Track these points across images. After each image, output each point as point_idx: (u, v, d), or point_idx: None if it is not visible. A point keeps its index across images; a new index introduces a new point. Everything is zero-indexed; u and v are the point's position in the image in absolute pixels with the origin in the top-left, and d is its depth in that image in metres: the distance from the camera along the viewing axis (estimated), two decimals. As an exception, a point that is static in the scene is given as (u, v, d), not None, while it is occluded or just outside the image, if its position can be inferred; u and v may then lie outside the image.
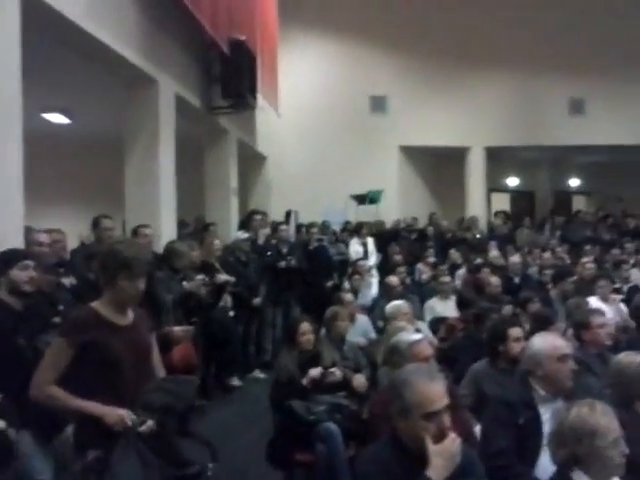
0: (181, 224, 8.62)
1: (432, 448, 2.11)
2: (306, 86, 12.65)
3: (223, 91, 8.18)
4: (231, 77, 8.08)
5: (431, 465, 2.09)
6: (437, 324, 6.22)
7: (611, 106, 12.31)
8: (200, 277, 5.69)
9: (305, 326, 4.47)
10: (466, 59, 12.55)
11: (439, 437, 2.14)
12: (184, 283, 5.54)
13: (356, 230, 10.15)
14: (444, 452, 2.10)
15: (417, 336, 3.44)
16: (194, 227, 9.45)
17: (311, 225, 9.72)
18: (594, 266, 8.05)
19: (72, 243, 6.31)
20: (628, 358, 3.48)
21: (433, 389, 2.18)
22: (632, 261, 9.21)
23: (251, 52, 8.64)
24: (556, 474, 2.50)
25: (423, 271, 9.22)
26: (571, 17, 12.36)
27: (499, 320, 4.60)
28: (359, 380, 4.50)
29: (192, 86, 7.89)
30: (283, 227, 8.54)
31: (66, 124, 10.14)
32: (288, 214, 10.97)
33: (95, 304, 2.68)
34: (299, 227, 10.42)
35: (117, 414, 2.47)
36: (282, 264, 7.86)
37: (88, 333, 2.55)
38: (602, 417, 2.41)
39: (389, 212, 12.04)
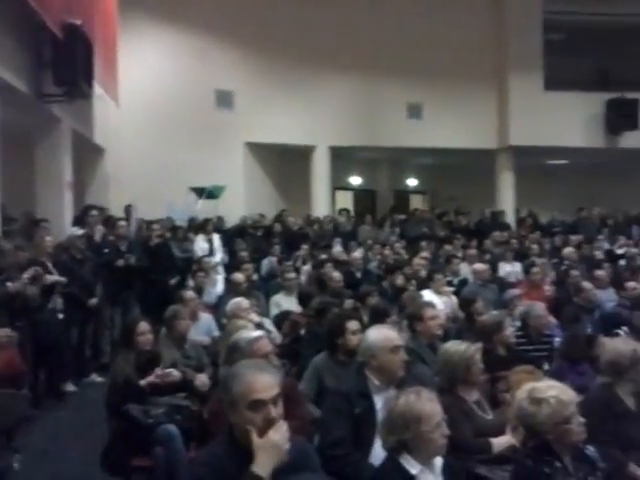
0: (7, 220, 7.95)
1: (257, 441, 2.06)
2: (149, 77, 12.20)
3: (55, 78, 7.62)
4: (64, 63, 7.55)
5: (256, 459, 2.05)
6: (282, 319, 6.27)
7: (446, 111, 13.17)
8: (26, 276, 5.27)
9: (143, 326, 4.33)
10: (312, 59, 12.81)
11: (266, 430, 2.10)
12: (8, 284, 5.12)
13: (201, 226, 9.96)
14: (268, 444, 2.06)
15: (256, 333, 3.43)
16: (22, 223, 8.74)
17: (152, 221, 9.39)
18: (425, 262, 8.59)
19: None
20: (454, 347, 3.73)
21: (258, 379, 2.14)
22: (461, 255, 9.94)
23: (87, 38, 8.14)
24: (386, 460, 2.61)
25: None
26: (410, 24, 13.05)
27: (337, 314, 4.71)
28: (201, 379, 4.42)
29: (19, 71, 7.27)
30: (122, 223, 8.17)
31: None
32: (127, 210, 10.52)
33: None
34: (140, 223, 10.04)
35: None
36: (120, 262, 7.54)
37: None
38: (427, 403, 2.55)
39: (235, 208, 11.97)
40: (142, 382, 4.08)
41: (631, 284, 7.43)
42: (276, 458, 2.07)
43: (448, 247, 10.30)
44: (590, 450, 2.72)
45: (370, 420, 3.15)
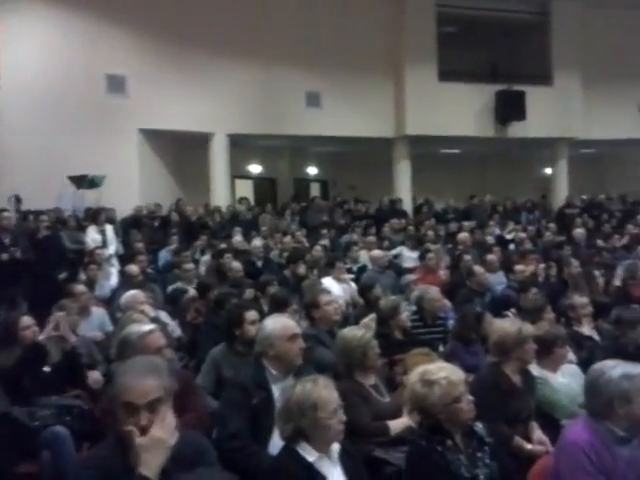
0: None
1: (139, 441, 1.98)
2: (32, 59, 11.47)
3: None
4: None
5: (141, 460, 1.96)
6: (175, 298, 6.13)
7: (345, 100, 13.27)
8: None
9: (26, 320, 4.13)
10: (210, 45, 12.52)
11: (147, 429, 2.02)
12: None
13: (93, 217, 9.50)
14: (151, 443, 1.99)
15: (148, 327, 3.30)
16: None
17: (41, 212, 8.89)
18: (321, 249, 8.67)
19: None
20: (351, 332, 3.77)
21: (134, 382, 2.06)
22: (361, 244, 10.11)
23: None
24: (283, 449, 2.59)
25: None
26: (309, 13, 13.03)
27: (235, 304, 4.66)
28: (93, 377, 4.25)
29: None
30: (5, 214, 7.68)
31: None
32: (16, 200, 9.90)
33: None
34: (25, 214, 9.48)
35: None
36: (4, 256, 7.12)
37: None
38: (323, 390, 2.55)
39: (129, 198, 11.52)
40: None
41: (519, 267, 7.81)
42: (162, 456, 1.99)
43: (348, 235, 10.44)
44: (478, 427, 2.82)
45: (268, 410, 3.12)
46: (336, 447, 2.57)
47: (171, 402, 2.14)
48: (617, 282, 6.30)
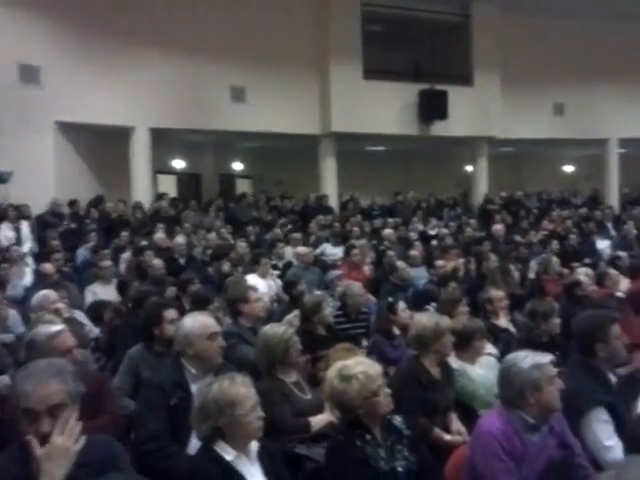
0: None
1: (38, 451, 1.89)
2: None
3: None
4: None
5: (42, 470, 1.87)
6: (96, 310, 5.90)
7: (270, 96, 13.14)
8: None
9: None
10: (131, 37, 12.10)
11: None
12: None
13: (2, 214, 9.03)
14: (52, 451, 1.90)
15: (56, 327, 3.15)
16: None
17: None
18: (246, 246, 8.61)
19: None
20: (272, 329, 3.74)
21: (32, 387, 1.97)
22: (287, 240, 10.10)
23: None
24: (201, 449, 2.54)
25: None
26: (233, 7, 12.78)
27: (154, 303, 4.53)
28: (2, 382, 4.01)
29: None
30: None
31: None
32: None
33: None
34: None
35: None
36: None
37: None
38: (241, 387, 2.52)
39: (45, 193, 11.02)
40: None
41: (440, 262, 8.00)
42: (64, 465, 1.90)
43: (277, 230, 10.40)
44: (397, 420, 2.85)
45: (187, 410, 3.03)
46: (254, 445, 2.54)
47: (77, 406, 2.05)
48: (531, 275, 6.54)
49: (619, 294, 5.09)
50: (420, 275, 8.14)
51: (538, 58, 14.85)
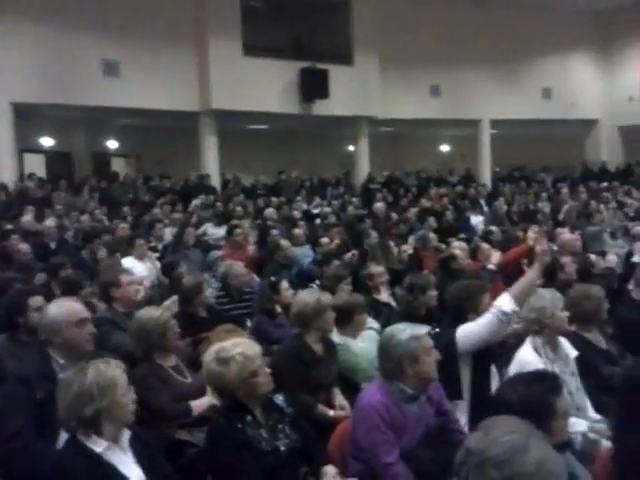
0: None
1: None
2: None
3: None
4: None
5: None
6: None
7: (146, 71, 12.55)
8: None
9: None
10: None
11: None
12: None
13: None
14: None
15: None
16: None
17: None
18: (125, 227, 8.24)
19: None
20: (148, 313, 3.57)
21: None
22: (167, 221, 9.77)
23: None
24: (67, 442, 2.40)
25: None
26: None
27: (18, 290, 4.20)
28: None
29: None
30: None
31: None
32: None
33: None
34: None
35: None
36: None
37: None
38: (117, 369, 2.41)
39: None
40: None
41: (324, 240, 8.05)
42: None
43: (156, 210, 10.01)
44: (279, 399, 2.81)
45: (55, 404, 2.83)
46: (127, 433, 2.40)
47: None
48: (409, 251, 6.73)
49: (490, 266, 5.34)
50: (305, 254, 8.15)
51: (415, 40, 15.28)
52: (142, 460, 2.40)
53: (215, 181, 13.64)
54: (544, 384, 2.21)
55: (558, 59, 17.24)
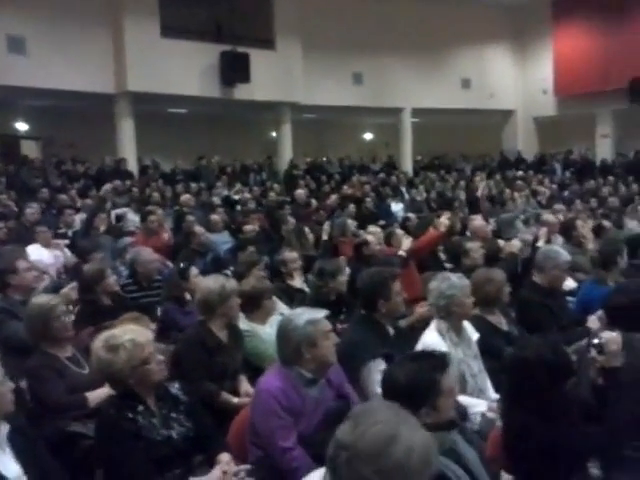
0: None
1: None
2: None
3: None
4: None
5: None
6: None
7: (57, 49, 11.94)
8: None
9: None
10: None
11: None
12: None
13: None
14: None
15: None
16: None
17: None
18: (36, 212, 7.87)
19: None
20: (38, 299, 3.43)
21: None
22: (79, 205, 9.41)
23: None
24: None
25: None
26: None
27: None
28: None
29: None
30: None
31: None
32: None
33: None
34: None
35: None
36: None
37: None
38: None
39: None
40: None
41: (248, 227, 7.94)
42: None
43: (62, 196, 9.59)
44: (175, 387, 2.73)
45: None
46: (5, 428, 2.27)
47: None
48: (324, 237, 6.74)
49: (400, 253, 5.41)
50: (223, 240, 8.03)
51: (338, 27, 15.28)
52: (22, 455, 2.28)
53: (132, 166, 13.21)
54: (429, 362, 2.23)
55: (477, 51, 17.68)
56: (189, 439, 2.60)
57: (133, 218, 9.37)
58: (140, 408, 2.54)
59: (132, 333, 2.55)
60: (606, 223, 7.64)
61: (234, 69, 13.57)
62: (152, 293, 5.36)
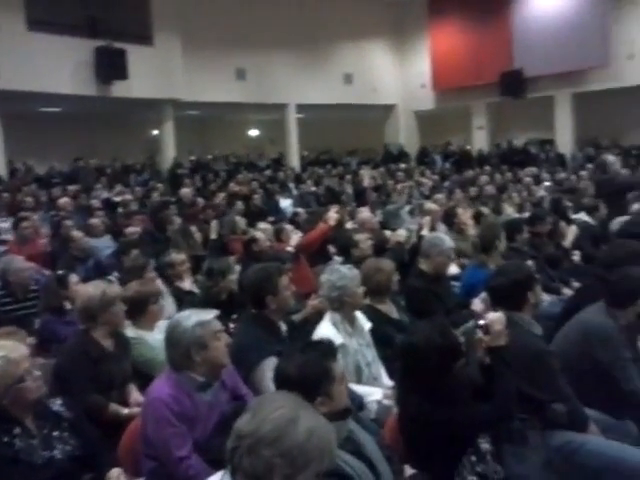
0: None
1: None
2: None
3: None
4: None
5: None
6: None
7: None
8: None
9: None
10: None
11: None
12: None
13: None
14: None
15: None
16: None
17: None
18: None
19: None
20: None
21: None
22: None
23: None
24: None
25: None
26: None
27: None
28: None
29: None
30: None
31: None
32: None
33: None
34: None
35: None
36: None
37: None
38: None
39: None
40: None
41: (130, 230, 7.61)
42: None
43: None
44: (56, 403, 2.54)
45: None
46: None
47: None
48: (213, 236, 6.60)
49: (289, 248, 5.40)
50: (105, 244, 7.65)
51: (219, 22, 15.06)
52: None
53: (1, 170, 12.30)
54: (318, 351, 2.22)
55: (358, 46, 18.04)
56: (75, 458, 2.43)
57: (4, 225, 8.76)
58: (17, 430, 2.34)
59: (4, 349, 2.34)
60: (485, 210, 8.02)
61: (110, 65, 12.98)
62: (28, 304, 5.04)
